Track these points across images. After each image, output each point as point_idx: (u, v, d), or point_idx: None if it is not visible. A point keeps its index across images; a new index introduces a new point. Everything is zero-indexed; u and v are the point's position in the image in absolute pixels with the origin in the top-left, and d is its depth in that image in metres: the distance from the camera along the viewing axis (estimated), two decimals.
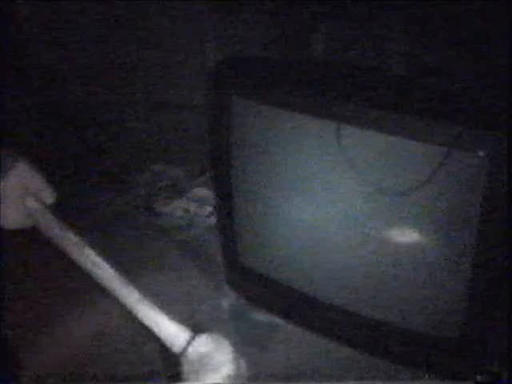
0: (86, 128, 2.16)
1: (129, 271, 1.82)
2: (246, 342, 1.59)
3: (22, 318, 1.62)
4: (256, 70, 1.56)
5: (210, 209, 2.09)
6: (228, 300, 1.73)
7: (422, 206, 1.31)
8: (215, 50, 2.15)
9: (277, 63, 1.67)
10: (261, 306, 1.68)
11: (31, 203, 1.04)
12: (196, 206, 2.13)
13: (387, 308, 1.45)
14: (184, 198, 2.17)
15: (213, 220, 2.06)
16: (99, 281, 1.04)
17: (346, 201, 1.41)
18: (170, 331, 1.02)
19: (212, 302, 1.73)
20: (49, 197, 1.08)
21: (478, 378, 1.30)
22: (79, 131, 2.13)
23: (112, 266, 1.04)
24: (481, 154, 1.19)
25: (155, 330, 1.02)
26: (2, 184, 1.01)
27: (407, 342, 1.45)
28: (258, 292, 1.67)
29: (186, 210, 2.12)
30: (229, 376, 1.02)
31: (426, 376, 1.45)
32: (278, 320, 1.65)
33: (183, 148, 2.25)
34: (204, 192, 2.17)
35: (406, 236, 1.38)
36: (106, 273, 1.04)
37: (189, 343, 1.01)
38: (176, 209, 2.12)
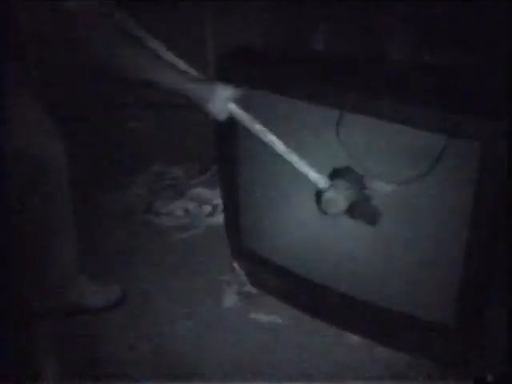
0: (86, 128, 2.16)
1: (129, 270, 1.84)
2: (246, 342, 1.59)
3: None
4: (256, 63, 1.56)
5: (209, 208, 2.10)
6: (228, 300, 1.73)
7: (420, 194, 1.31)
8: (215, 49, 2.15)
9: (277, 56, 1.66)
10: (265, 290, 1.71)
11: None
12: (196, 205, 2.13)
13: (386, 293, 1.46)
14: (184, 198, 2.17)
15: (213, 220, 2.07)
16: None
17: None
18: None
19: (212, 302, 1.73)
20: None
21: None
22: (79, 131, 2.13)
23: None
24: (479, 142, 1.20)
25: None
26: None
27: (404, 327, 1.47)
28: (262, 276, 1.70)
29: (186, 210, 2.12)
30: None
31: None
32: (278, 320, 1.65)
33: (183, 148, 2.26)
34: (204, 192, 2.17)
35: (402, 222, 1.39)
36: None
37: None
38: (176, 209, 2.12)
